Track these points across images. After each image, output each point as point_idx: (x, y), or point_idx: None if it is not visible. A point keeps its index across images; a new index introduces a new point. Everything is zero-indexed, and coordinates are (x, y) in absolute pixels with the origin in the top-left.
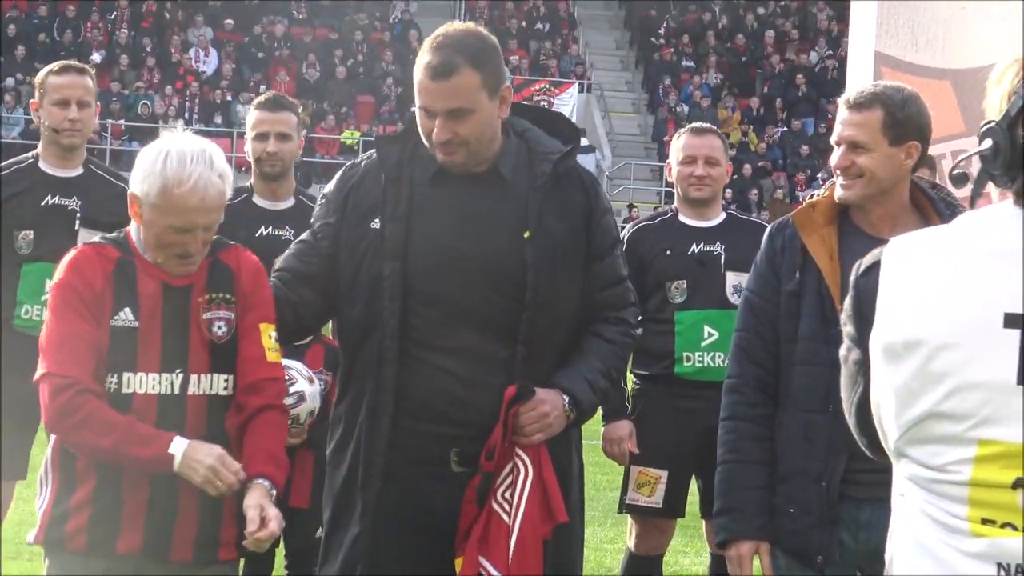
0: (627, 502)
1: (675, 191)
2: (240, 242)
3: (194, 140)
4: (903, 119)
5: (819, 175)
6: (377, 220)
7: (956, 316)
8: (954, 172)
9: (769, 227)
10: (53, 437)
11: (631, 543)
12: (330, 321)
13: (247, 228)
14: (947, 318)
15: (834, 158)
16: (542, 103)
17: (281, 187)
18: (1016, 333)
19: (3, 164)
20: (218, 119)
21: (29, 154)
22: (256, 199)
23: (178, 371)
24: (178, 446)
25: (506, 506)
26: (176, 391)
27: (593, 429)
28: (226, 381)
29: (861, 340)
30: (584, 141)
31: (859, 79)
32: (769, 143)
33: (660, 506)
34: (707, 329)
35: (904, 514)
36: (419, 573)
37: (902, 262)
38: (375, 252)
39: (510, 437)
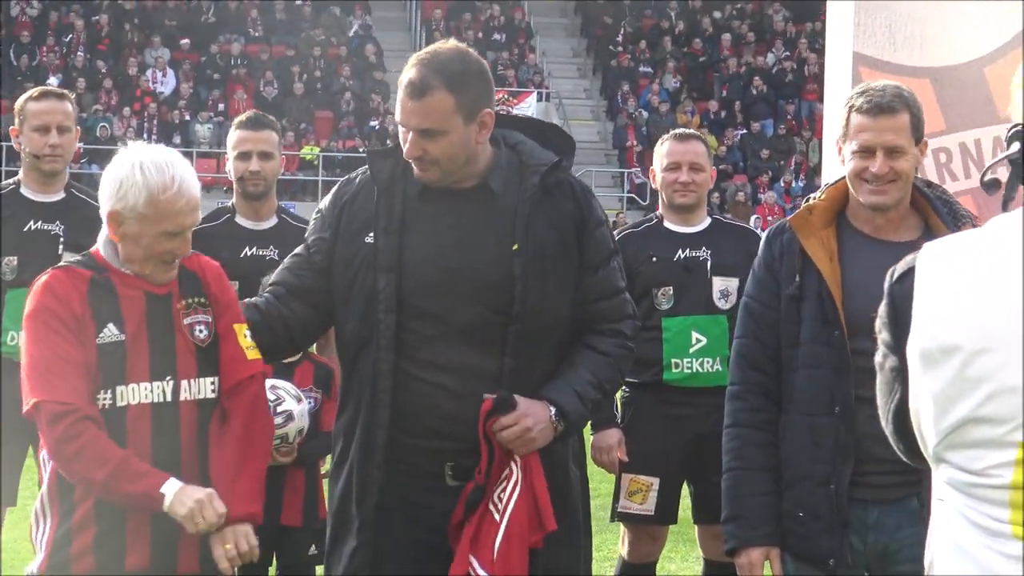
0: (619, 510)
1: (660, 197)
2: (224, 263)
3: (156, 148)
4: (920, 119)
5: (826, 183)
6: (371, 234)
7: (991, 320)
8: (985, 179)
9: (766, 232)
10: (48, 470)
11: (624, 551)
12: (317, 340)
13: (230, 249)
14: (982, 323)
15: (872, 165)
16: (501, 113)
17: (263, 206)
18: None
19: None
20: (177, 139)
21: (10, 180)
22: (239, 219)
23: (168, 378)
24: (171, 487)
25: (499, 505)
26: (168, 398)
27: None
28: (213, 383)
29: (898, 347)
30: None
31: (838, 80)
32: (729, 146)
33: (652, 513)
34: (695, 335)
35: (944, 518)
36: None
37: (936, 268)
38: (368, 266)
39: (497, 449)
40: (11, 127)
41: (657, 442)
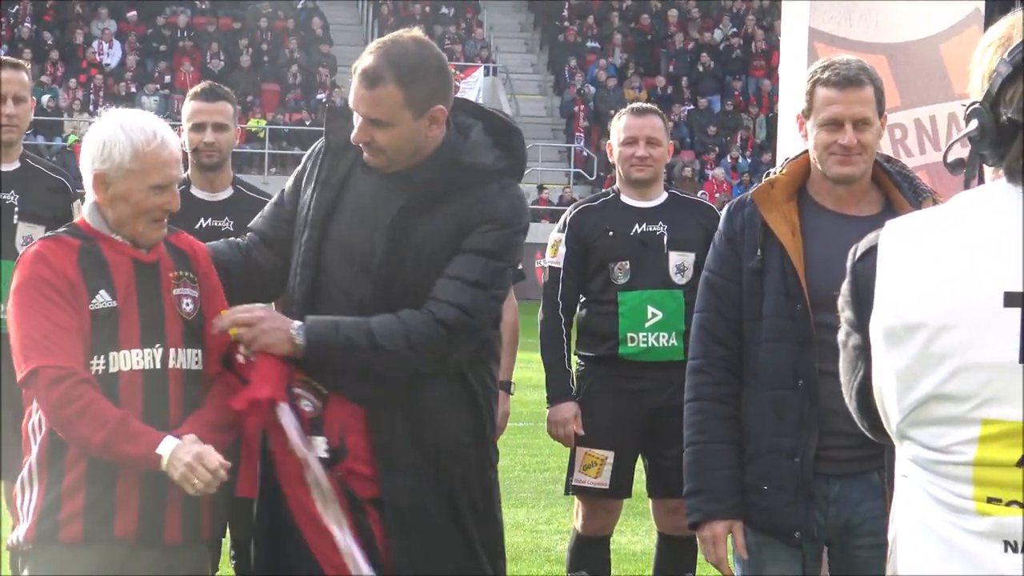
0: (573, 483)
1: (617, 172)
2: None
3: (133, 110)
4: (883, 93)
5: (787, 157)
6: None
7: (955, 297)
8: (948, 159)
9: (727, 207)
10: (39, 439)
11: (578, 524)
12: None
13: (186, 220)
14: (946, 300)
15: (841, 137)
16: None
17: (219, 177)
18: (1016, 312)
19: None
20: None
21: None
22: (194, 190)
23: (157, 346)
24: (167, 446)
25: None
26: (158, 366)
27: (527, 412)
28: (197, 356)
29: (861, 325)
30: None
31: (793, 56)
32: (676, 122)
33: (607, 487)
34: (651, 309)
35: (907, 495)
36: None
37: (899, 245)
38: (303, 220)
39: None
40: None
41: (612, 416)
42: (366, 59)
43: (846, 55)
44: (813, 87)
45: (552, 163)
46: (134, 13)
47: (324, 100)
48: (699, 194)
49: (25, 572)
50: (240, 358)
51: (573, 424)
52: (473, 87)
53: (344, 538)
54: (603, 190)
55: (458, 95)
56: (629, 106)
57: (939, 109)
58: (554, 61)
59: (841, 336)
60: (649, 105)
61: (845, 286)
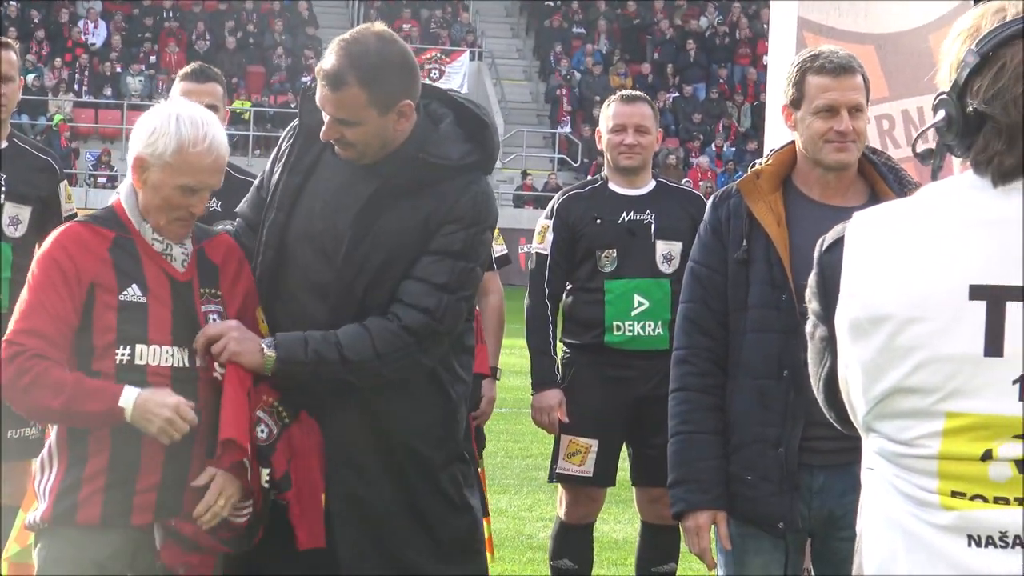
0: (557, 471)
1: (605, 159)
2: None
3: (197, 105)
4: (869, 83)
5: (772, 148)
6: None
7: (921, 289)
8: (919, 150)
9: (712, 197)
10: None
11: (562, 512)
12: None
13: None
14: (912, 292)
15: (838, 124)
16: (433, 72)
17: None
18: (982, 305)
19: None
20: (108, 91)
21: None
22: None
23: (186, 348)
24: (128, 397)
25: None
26: (187, 364)
27: (510, 398)
28: (218, 367)
29: (827, 316)
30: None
31: (782, 45)
32: (661, 109)
33: (591, 475)
34: (637, 298)
35: (873, 488)
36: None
37: (866, 237)
38: (269, 201)
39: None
40: None
41: (597, 404)
42: (328, 59)
43: (833, 45)
44: (803, 76)
45: (537, 149)
46: None
47: (309, 82)
48: (683, 182)
49: (41, 551)
50: (217, 375)
51: (558, 411)
52: (458, 72)
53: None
54: (589, 177)
55: (443, 80)
56: (618, 93)
57: (927, 101)
58: (540, 47)
59: (808, 327)
60: (638, 93)
61: (812, 277)
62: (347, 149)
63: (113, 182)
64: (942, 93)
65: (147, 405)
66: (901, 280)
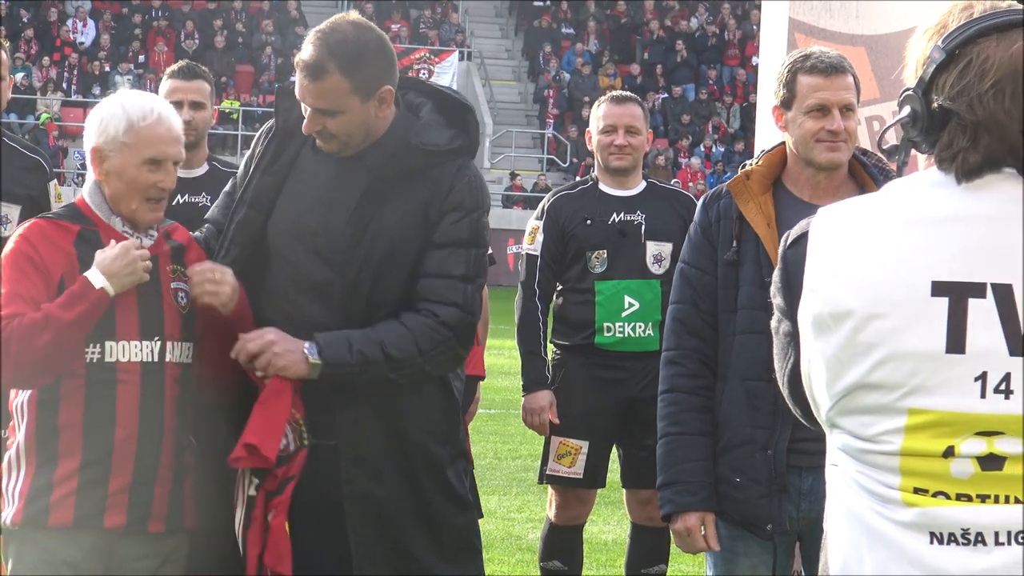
0: (548, 473)
1: (595, 160)
2: None
3: (143, 92)
4: (859, 82)
5: (763, 149)
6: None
7: (884, 286)
8: (883, 146)
9: (702, 198)
10: (25, 421)
11: (551, 513)
12: None
13: None
14: (875, 288)
15: (830, 123)
16: (422, 72)
17: (195, 155)
18: (944, 301)
19: None
20: (96, 90)
21: None
22: None
23: (156, 338)
24: (96, 279)
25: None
26: (156, 359)
27: (499, 399)
28: (189, 349)
29: (791, 312)
30: None
31: (773, 46)
32: (650, 110)
33: (581, 477)
34: (627, 299)
35: (837, 485)
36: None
37: (829, 232)
38: (239, 198)
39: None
40: None
41: (587, 405)
42: (307, 50)
43: (824, 46)
44: (794, 76)
45: (525, 149)
46: None
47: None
48: (672, 182)
49: (11, 554)
50: (259, 373)
51: (548, 413)
52: (447, 72)
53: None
54: (579, 178)
55: (432, 80)
56: (608, 94)
57: None
58: (529, 47)
59: (773, 323)
60: (628, 93)
61: (776, 272)
62: (329, 141)
63: None
64: (908, 89)
65: (113, 268)
66: (863, 276)
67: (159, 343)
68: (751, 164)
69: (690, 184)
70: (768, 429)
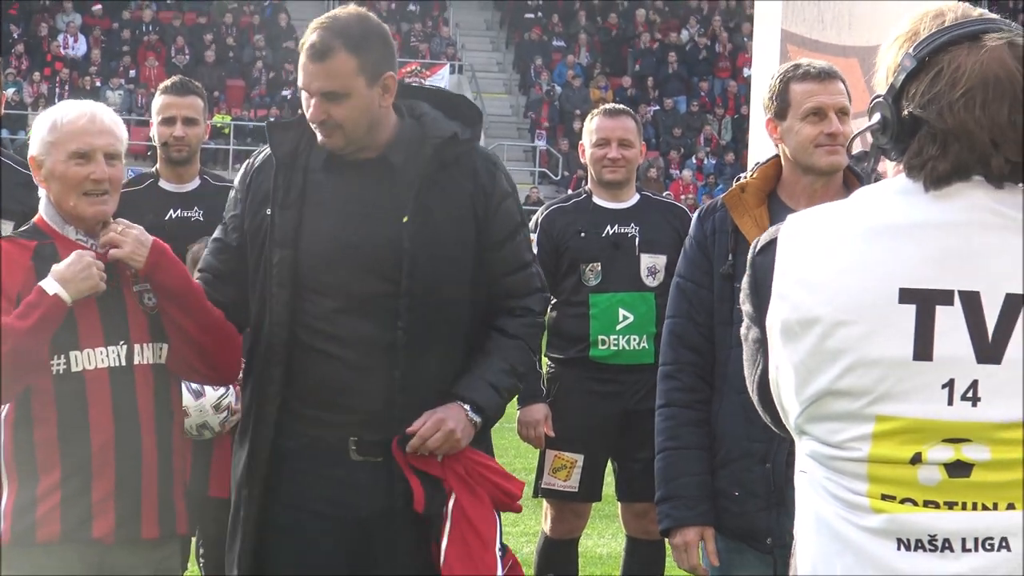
0: (543, 486)
1: (588, 173)
2: (148, 226)
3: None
4: (850, 92)
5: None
6: (269, 208)
7: (852, 293)
8: (854, 152)
9: (697, 212)
10: (2, 439)
11: (547, 527)
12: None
13: (155, 212)
14: (843, 295)
15: (828, 127)
16: (412, 84)
17: (187, 170)
18: (912, 308)
19: None
20: None
21: None
22: (162, 183)
23: (122, 342)
24: (50, 284)
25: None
26: (123, 363)
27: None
28: (161, 349)
29: (760, 318)
30: None
31: (766, 58)
32: (642, 122)
33: (576, 490)
34: (622, 312)
35: (806, 491)
36: (318, 560)
37: (798, 239)
38: (266, 240)
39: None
40: None
41: (582, 419)
42: (311, 36)
43: (817, 58)
44: (786, 85)
45: (517, 162)
46: (99, 7)
47: (288, 96)
48: (664, 194)
49: (4, 574)
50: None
51: (544, 426)
52: (439, 85)
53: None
54: (571, 191)
55: None
56: (602, 107)
57: None
58: (520, 59)
59: (742, 330)
60: (621, 106)
61: (745, 279)
62: (333, 133)
63: None
64: (878, 96)
65: (66, 274)
66: (831, 283)
67: (125, 347)
68: (746, 177)
69: (682, 196)
70: (766, 442)
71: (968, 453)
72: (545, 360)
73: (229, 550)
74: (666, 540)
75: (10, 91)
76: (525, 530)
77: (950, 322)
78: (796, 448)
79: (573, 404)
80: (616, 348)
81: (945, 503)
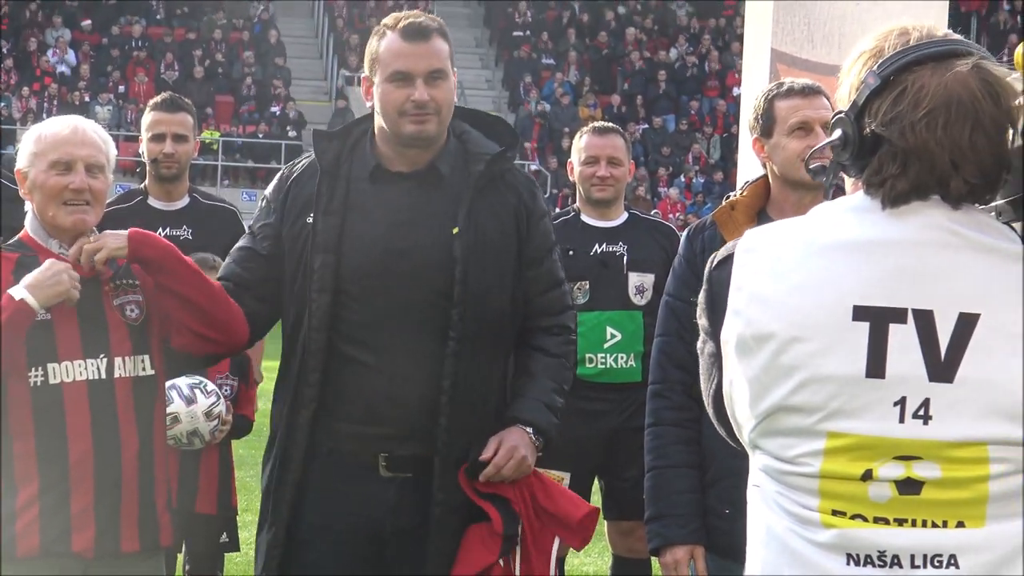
0: None
1: (577, 191)
2: None
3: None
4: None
5: (746, 180)
6: (312, 215)
7: (806, 309)
8: (811, 165)
9: (686, 230)
10: None
11: None
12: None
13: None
14: (797, 311)
15: (814, 141)
16: None
17: (176, 188)
18: (865, 326)
19: None
20: None
21: None
22: (151, 201)
23: (102, 355)
24: (17, 290)
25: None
26: (103, 376)
27: None
28: (144, 361)
29: (715, 333)
30: None
31: (755, 77)
32: (631, 140)
33: None
34: (610, 330)
35: (758, 505)
36: (343, 574)
37: (753, 255)
38: (308, 247)
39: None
40: None
41: (569, 436)
42: (399, 26)
43: (806, 77)
44: (771, 103)
45: None
46: (89, 22)
47: (277, 112)
48: (652, 213)
49: None
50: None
51: None
52: None
53: None
54: (559, 209)
55: None
56: (591, 125)
57: None
58: (509, 77)
59: (699, 344)
60: (610, 124)
61: (701, 294)
62: (429, 120)
63: None
64: (840, 112)
65: (35, 280)
66: (786, 299)
67: (105, 360)
68: (736, 195)
69: (670, 215)
70: None
71: (919, 471)
72: None
73: (256, 563)
74: (653, 559)
75: None
76: None
77: (903, 340)
78: (750, 462)
79: (561, 421)
80: (604, 366)
81: (895, 520)
